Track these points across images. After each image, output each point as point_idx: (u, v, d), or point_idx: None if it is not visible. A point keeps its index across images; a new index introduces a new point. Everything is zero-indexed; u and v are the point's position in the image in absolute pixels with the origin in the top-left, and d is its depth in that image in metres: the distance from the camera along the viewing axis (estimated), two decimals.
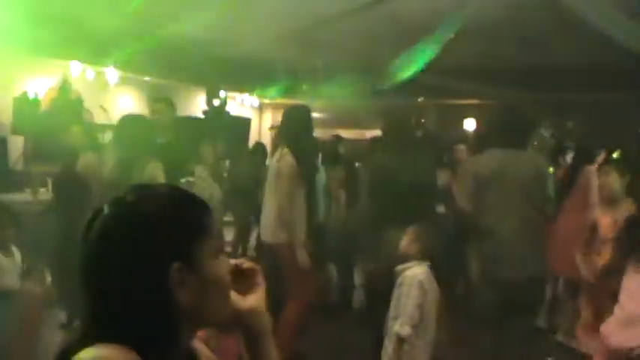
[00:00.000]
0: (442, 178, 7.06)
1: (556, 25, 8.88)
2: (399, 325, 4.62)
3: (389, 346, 4.78)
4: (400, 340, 4.61)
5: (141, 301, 1.46)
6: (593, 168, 6.65)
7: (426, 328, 4.75)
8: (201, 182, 6.82)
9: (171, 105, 6.72)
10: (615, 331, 4.53)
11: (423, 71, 10.13)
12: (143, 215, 1.49)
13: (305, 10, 8.80)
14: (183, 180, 6.49)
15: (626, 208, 5.65)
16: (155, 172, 5.51)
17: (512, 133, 5.45)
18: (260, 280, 1.72)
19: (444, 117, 14.11)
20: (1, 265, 5.07)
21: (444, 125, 13.67)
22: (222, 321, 1.61)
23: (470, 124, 13.19)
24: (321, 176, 8.17)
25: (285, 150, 5.90)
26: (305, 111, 6.27)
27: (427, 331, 4.76)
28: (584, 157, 6.89)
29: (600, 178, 6.03)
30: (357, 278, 8.28)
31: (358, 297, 8.31)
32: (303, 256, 5.88)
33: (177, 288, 1.47)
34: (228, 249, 8.85)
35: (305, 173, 5.96)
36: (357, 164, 9.09)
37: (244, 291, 1.68)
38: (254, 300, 1.69)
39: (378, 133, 6.40)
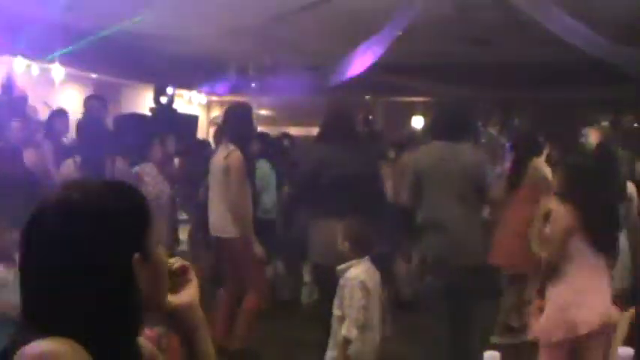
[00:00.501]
0: (385, 173, 7.12)
1: (504, 23, 9.00)
2: (345, 329, 4.62)
3: (333, 347, 4.78)
4: (348, 342, 4.62)
5: (102, 294, 1.45)
6: (540, 160, 6.75)
7: (372, 325, 4.76)
8: (150, 180, 6.81)
9: (104, 102, 6.76)
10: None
11: (371, 69, 10.17)
12: (98, 210, 1.49)
13: (254, 7, 8.78)
14: (136, 168, 6.57)
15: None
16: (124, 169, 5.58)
17: (453, 128, 5.57)
18: (192, 276, 1.72)
19: (391, 114, 14.21)
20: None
21: (392, 122, 13.77)
22: (165, 309, 1.63)
23: (418, 122, 13.28)
24: (270, 172, 8.20)
25: (232, 146, 5.94)
26: (247, 109, 6.37)
27: (373, 328, 4.77)
28: (531, 150, 6.98)
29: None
30: (306, 274, 8.28)
31: (307, 293, 8.32)
32: (258, 248, 5.96)
33: (138, 278, 1.49)
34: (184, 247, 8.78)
35: (247, 168, 6.05)
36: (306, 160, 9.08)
37: (176, 290, 1.68)
38: (187, 296, 1.69)
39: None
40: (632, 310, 2.68)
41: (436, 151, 5.54)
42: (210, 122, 14.17)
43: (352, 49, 9.83)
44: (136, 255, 1.49)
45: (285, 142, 9.53)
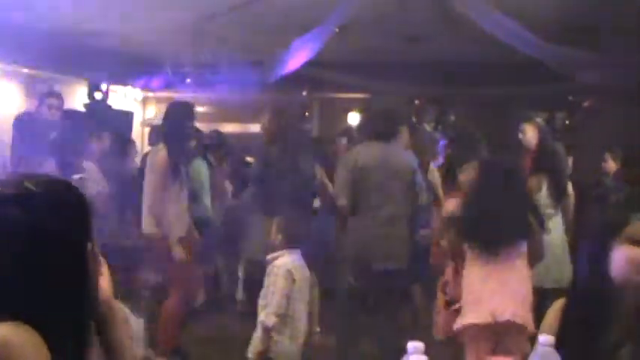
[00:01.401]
0: (320, 173, 7.14)
1: (440, 21, 9.07)
2: (264, 314, 4.64)
3: (256, 336, 4.80)
4: (267, 330, 4.63)
5: (59, 282, 1.52)
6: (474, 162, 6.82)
7: (295, 317, 4.78)
8: (91, 177, 6.76)
9: (61, 99, 6.67)
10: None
11: (308, 65, 10.16)
12: (57, 201, 1.57)
13: (190, 2, 8.70)
14: (76, 177, 6.46)
15: None
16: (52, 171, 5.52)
17: (384, 129, 5.64)
18: (104, 270, 1.77)
19: (328, 111, 14.22)
20: None
21: (328, 119, 13.78)
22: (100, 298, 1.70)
23: (354, 118, 13.29)
24: (206, 171, 8.17)
25: (161, 145, 5.92)
26: (187, 106, 6.34)
27: (296, 320, 4.79)
28: (466, 149, 7.05)
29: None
30: (241, 271, 8.27)
31: (242, 289, 8.32)
32: (177, 251, 5.90)
33: (91, 267, 1.60)
34: None
35: (180, 167, 5.99)
36: (247, 158, 9.10)
37: None
38: (100, 289, 1.73)
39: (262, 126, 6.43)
40: (560, 301, 2.73)
41: (370, 151, 5.60)
42: (144, 122, 13.99)
43: (288, 46, 9.81)
44: (89, 244, 1.60)
45: (216, 139, 9.47)
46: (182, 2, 8.66)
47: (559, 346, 2.43)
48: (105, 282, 1.76)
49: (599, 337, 2.47)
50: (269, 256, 4.91)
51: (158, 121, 8.18)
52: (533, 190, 6.47)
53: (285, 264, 4.77)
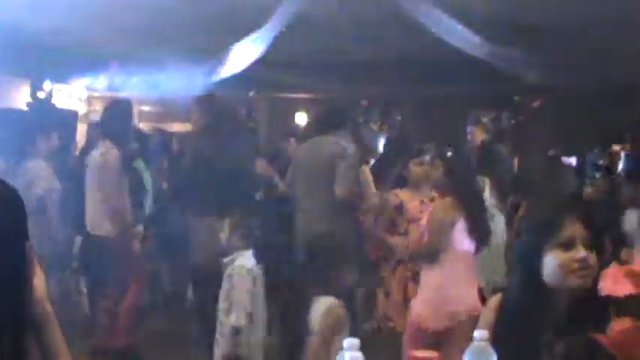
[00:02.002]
0: (260, 167, 7.11)
1: (386, 21, 9.11)
2: (234, 317, 4.64)
3: (221, 338, 4.78)
4: (236, 332, 4.63)
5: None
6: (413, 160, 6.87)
7: (258, 316, 4.79)
8: (39, 174, 6.69)
9: None
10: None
11: (255, 65, 10.15)
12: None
13: (136, 1, 8.62)
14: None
15: (427, 193, 5.90)
16: None
17: (329, 125, 5.67)
18: (38, 270, 1.73)
19: (275, 110, 14.23)
20: None
21: (276, 118, 13.79)
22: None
23: (301, 118, 13.32)
24: (145, 171, 8.14)
25: (108, 142, 5.87)
26: (127, 105, 6.31)
27: (259, 318, 4.80)
28: (402, 148, 7.13)
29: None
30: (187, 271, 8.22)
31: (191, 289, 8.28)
32: (136, 245, 5.93)
33: (30, 264, 1.61)
34: None
35: (127, 165, 5.99)
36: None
37: None
38: (39, 290, 1.71)
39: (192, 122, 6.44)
40: (497, 297, 2.76)
41: (309, 144, 5.66)
42: (83, 119, 13.84)
43: (235, 45, 9.78)
44: (27, 243, 1.59)
45: (158, 139, 9.40)
46: (127, 1, 8.58)
47: (495, 342, 2.47)
48: (39, 282, 1.73)
49: (533, 336, 2.50)
50: (226, 259, 4.89)
51: (97, 120, 8.12)
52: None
53: (245, 264, 4.77)
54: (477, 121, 7.66)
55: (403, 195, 6.07)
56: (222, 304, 4.80)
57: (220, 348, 4.80)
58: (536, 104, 13.24)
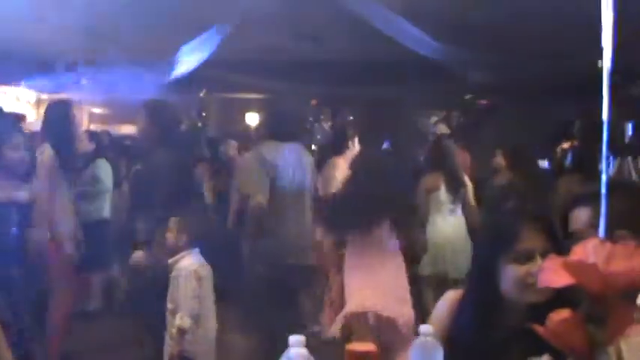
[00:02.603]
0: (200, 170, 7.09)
1: (335, 21, 9.14)
2: (179, 318, 4.62)
3: (169, 339, 4.76)
4: (182, 332, 4.61)
5: None
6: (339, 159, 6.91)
7: (206, 316, 4.79)
8: None
9: None
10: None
11: (205, 65, 10.11)
12: None
13: (85, 2, 8.54)
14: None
15: None
16: None
17: (282, 126, 5.68)
18: None
19: (225, 111, 14.20)
20: None
21: (226, 119, 13.75)
22: None
23: (252, 118, 13.30)
24: (109, 171, 8.08)
25: (46, 144, 5.79)
26: (65, 105, 6.21)
27: (207, 319, 4.80)
28: (336, 144, 7.18)
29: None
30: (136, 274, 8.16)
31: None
32: (67, 250, 5.78)
33: None
34: None
35: (67, 167, 5.88)
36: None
37: None
38: None
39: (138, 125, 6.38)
40: (451, 292, 2.74)
41: (279, 150, 5.64)
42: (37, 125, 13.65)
43: (185, 45, 9.74)
44: None
45: (107, 140, 9.31)
46: (75, 2, 8.48)
47: (450, 338, 2.48)
48: None
49: (488, 336, 2.47)
50: (171, 260, 4.86)
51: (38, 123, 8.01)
52: (432, 189, 6.61)
53: (191, 265, 4.75)
54: (426, 119, 7.73)
55: None
56: (168, 305, 4.79)
57: (167, 347, 4.79)
58: (485, 103, 13.38)
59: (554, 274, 1.81)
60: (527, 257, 2.41)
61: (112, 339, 6.95)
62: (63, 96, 11.90)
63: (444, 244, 6.51)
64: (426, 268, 6.45)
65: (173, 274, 4.76)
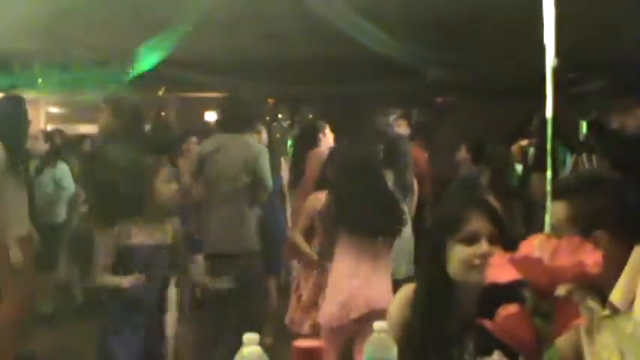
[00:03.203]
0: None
1: (296, 19, 9.15)
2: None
3: None
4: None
5: None
6: (316, 150, 6.93)
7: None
8: None
9: None
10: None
11: (164, 64, 10.07)
12: None
13: (41, 1, 8.45)
14: None
15: None
16: None
17: (237, 121, 5.68)
18: None
19: (185, 110, 14.16)
20: None
21: (186, 117, 13.70)
22: None
23: (211, 117, 13.25)
24: (68, 175, 8.01)
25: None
26: (16, 102, 6.11)
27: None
28: (308, 141, 7.19)
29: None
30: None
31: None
32: (15, 254, 5.64)
33: None
34: None
35: (18, 166, 5.77)
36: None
37: None
38: None
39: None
40: (406, 287, 2.79)
41: (217, 140, 5.65)
42: None
43: (144, 44, 9.68)
44: None
45: (58, 140, 9.20)
46: (32, 1, 8.40)
47: (406, 332, 2.52)
48: None
49: (441, 327, 2.53)
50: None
51: None
52: None
53: None
54: (385, 118, 7.77)
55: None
56: None
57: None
58: (444, 101, 13.48)
59: (500, 270, 1.84)
60: (473, 239, 2.51)
61: (67, 342, 6.91)
62: (18, 94, 11.79)
63: None
64: None
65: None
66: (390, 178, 6.60)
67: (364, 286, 4.68)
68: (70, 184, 8.17)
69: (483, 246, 2.48)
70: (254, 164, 5.66)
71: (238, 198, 5.60)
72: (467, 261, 2.49)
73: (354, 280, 4.69)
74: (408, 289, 2.74)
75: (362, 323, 4.51)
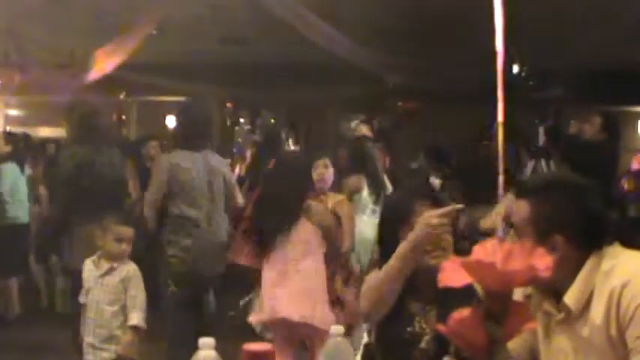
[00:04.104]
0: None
1: (258, 23, 9.15)
2: (136, 318, 4.60)
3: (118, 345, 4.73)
4: (139, 331, 4.59)
5: None
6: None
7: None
8: None
9: None
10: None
11: (125, 67, 10.00)
12: None
13: (5, 1, 8.38)
14: None
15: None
16: None
17: (195, 129, 5.65)
18: None
19: (146, 114, 14.08)
20: None
21: (146, 122, 13.63)
22: None
23: (172, 121, 13.19)
24: (19, 175, 7.93)
25: None
26: None
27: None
28: (271, 146, 7.21)
29: None
30: (60, 281, 8.01)
31: (61, 301, 8.07)
32: None
33: None
34: None
35: None
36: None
37: None
38: None
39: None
40: (372, 273, 2.91)
41: (186, 157, 5.57)
42: None
43: (104, 47, 9.63)
44: None
45: (24, 142, 9.13)
46: None
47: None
48: None
49: (402, 307, 2.70)
50: (116, 263, 4.80)
51: None
52: (355, 190, 6.66)
53: (136, 267, 4.76)
54: (348, 122, 7.80)
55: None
56: (112, 308, 4.76)
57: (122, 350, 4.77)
58: (406, 106, 13.52)
59: (453, 274, 1.87)
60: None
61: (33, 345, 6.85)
62: None
63: (359, 242, 6.56)
64: None
65: (123, 276, 4.70)
66: (363, 181, 6.67)
67: (272, 292, 4.79)
68: (22, 184, 8.05)
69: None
70: (223, 177, 5.70)
71: (216, 212, 5.63)
72: (417, 246, 2.63)
73: (266, 286, 4.85)
74: (374, 276, 2.84)
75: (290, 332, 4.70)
